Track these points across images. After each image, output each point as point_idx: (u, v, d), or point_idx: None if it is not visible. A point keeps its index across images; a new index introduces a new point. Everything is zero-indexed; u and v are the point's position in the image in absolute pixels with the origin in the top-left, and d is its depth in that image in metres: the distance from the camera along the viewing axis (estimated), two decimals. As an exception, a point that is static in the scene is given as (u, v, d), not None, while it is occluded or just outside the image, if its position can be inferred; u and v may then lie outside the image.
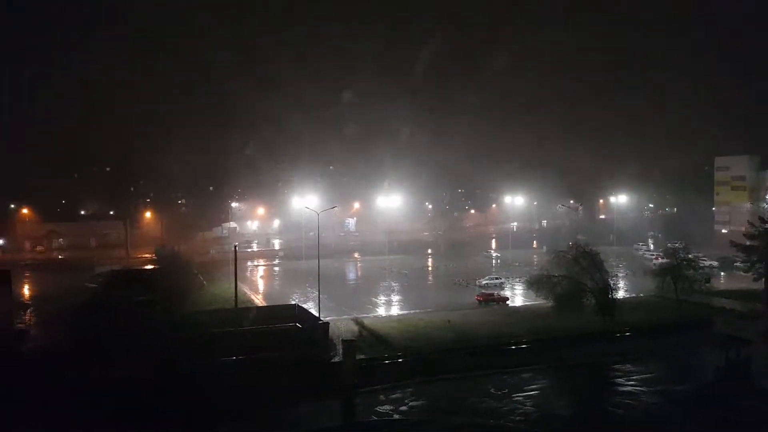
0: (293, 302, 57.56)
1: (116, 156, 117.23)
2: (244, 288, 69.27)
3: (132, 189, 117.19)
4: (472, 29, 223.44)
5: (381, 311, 61.23)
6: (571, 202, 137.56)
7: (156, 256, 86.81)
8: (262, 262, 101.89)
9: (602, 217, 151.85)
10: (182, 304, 49.47)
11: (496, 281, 75.08)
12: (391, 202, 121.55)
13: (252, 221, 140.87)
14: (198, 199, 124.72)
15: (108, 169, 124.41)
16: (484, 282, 74.11)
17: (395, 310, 61.88)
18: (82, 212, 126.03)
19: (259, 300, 66.59)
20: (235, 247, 59.19)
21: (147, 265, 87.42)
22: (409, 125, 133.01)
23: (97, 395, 30.38)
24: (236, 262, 55.00)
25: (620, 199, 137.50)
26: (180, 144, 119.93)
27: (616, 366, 41.98)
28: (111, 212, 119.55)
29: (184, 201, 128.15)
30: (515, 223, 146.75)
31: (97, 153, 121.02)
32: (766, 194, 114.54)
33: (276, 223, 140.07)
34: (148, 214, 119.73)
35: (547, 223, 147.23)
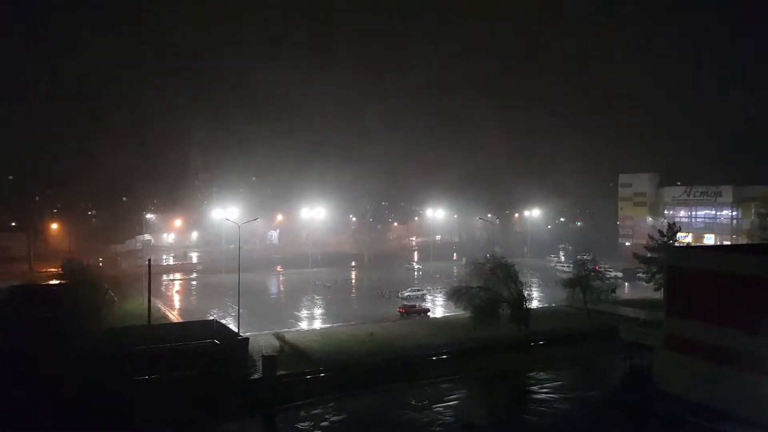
0: (211, 318, 55.96)
1: (20, 163, 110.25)
2: (158, 304, 66.70)
3: (37, 198, 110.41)
4: (395, 44, 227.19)
5: (303, 325, 60.64)
6: (489, 215, 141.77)
7: (63, 270, 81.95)
8: (178, 276, 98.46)
9: (517, 230, 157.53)
10: (91, 321, 47.00)
11: (418, 293, 76.23)
12: (315, 214, 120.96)
13: (168, 233, 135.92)
14: (110, 209, 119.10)
15: (10, 177, 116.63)
16: (406, 294, 75.06)
17: (318, 324, 61.47)
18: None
19: (174, 316, 64.29)
20: (149, 260, 56.94)
21: (53, 279, 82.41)
22: (334, 137, 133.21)
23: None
24: (150, 276, 52.87)
25: (534, 213, 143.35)
26: (92, 152, 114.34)
27: (531, 374, 43.58)
28: (13, 223, 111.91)
29: (94, 212, 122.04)
30: (438, 236, 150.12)
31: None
32: (664, 209, 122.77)
33: (194, 235, 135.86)
34: (54, 226, 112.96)
35: (466, 235, 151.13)
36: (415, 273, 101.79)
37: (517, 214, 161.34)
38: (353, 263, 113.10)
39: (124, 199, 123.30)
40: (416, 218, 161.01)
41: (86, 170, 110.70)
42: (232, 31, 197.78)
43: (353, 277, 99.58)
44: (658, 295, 59.86)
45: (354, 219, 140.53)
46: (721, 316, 35.11)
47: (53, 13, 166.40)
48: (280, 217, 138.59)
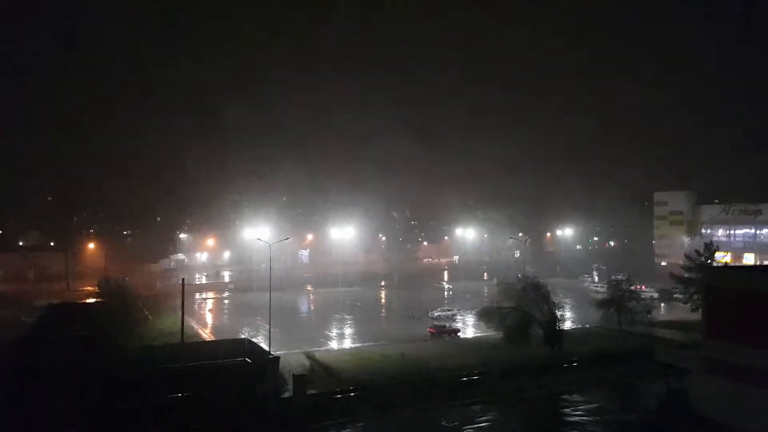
0: (243, 336, 56.42)
1: (58, 185, 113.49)
2: (191, 322, 67.57)
3: (74, 219, 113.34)
4: (420, 62, 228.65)
5: (333, 344, 60.67)
6: (520, 234, 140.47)
7: (99, 289, 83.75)
8: (211, 294, 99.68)
9: (549, 249, 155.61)
10: (126, 339, 47.84)
11: (448, 313, 75.68)
12: (345, 233, 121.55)
13: (201, 253, 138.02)
14: (144, 229, 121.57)
15: (49, 198, 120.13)
16: (437, 314, 74.58)
17: (348, 343, 61.44)
18: (21, 243, 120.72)
19: (207, 334, 64.99)
20: (183, 279, 57.76)
21: (89, 298, 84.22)
22: (364, 156, 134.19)
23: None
24: (183, 294, 53.52)
25: (566, 232, 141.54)
26: (126, 173, 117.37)
27: (564, 396, 42.71)
28: (51, 243, 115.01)
29: (129, 232, 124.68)
30: (456, 257, 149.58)
31: (38, 181, 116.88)
32: (701, 228, 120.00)
33: (226, 254, 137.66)
34: (91, 246, 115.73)
35: (497, 255, 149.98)
36: (445, 293, 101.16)
37: (549, 234, 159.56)
38: (383, 283, 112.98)
39: (158, 219, 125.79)
40: (446, 237, 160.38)
41: (121, 191, 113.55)
42: (263, 50, 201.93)
43: (383, 296, 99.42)
44: (696, 316, 58.36)
45: (384, 238, 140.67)
46: (761, 338, 34.03)
47: (86, 31, 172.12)
48: (310, 237, 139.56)
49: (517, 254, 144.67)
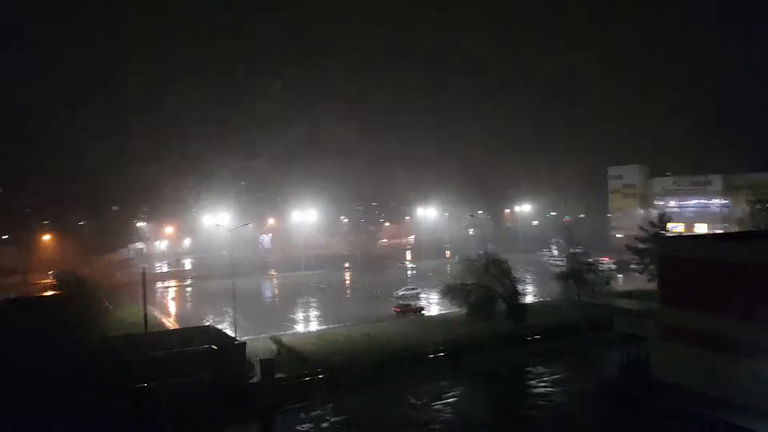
0: (207, 323, 55.94)
1: (8, 175, 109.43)
2: (154, 311, 66.53)
3: (27, 210, 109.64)
4: (381, 39, 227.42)
5: (299, 328, 60.71)
6: (480, 212, 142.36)
7: (57, 281, 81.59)
8: (173, 283, 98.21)
9: (509, 225, 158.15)
10: (87, 331, 46.89)
11: (412, 292, 76.43)
12: (307, 217, 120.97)
13: (160, 241, 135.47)
14: (100, 219, 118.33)
15: (0, 190, 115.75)
16: (401, 293, 75.22)
17: (314, 326, 61.55)
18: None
19: (171, 323, 64.17)
20: (144, 268, 56.89)
21: (47, 291, 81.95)
22: (322, 139, 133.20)
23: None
24: (145, 284, 52.83)
25: (524, 208, 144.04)
26: (80, 162, 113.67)
27: (528, 368, 43.85)
28: (5, 236, 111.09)
29: (85, 222, 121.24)
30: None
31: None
32: (654, 200, 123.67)
33: (186, 242, 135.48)
34: (46, 237, 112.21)
35: (465, 232, 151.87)
36: (409, 272, 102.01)
37: (508, 210, 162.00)
38: (346, 264, 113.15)
39: (114, 208, 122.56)
40: (407, 217, 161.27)
41: (75, 181, 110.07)
42: (216, 34, 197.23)
43: (347, 278, 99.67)
44: (652, 285, 60.32)
45: (345, 220, 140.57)
46: (715, 304, 35.47)
47: (43, 20, 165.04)
48: (271, 221, 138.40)
49: (471, 232, 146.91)
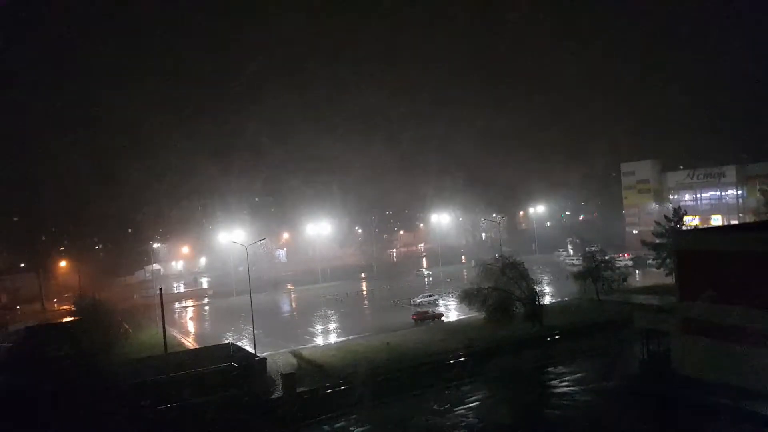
0: (227, 341, 56.16)
1: (23, 203, 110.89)
2: (173, 332, 66.94)
3: (42, 237, 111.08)
4: (387, 50, 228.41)
5: (319, 341, 60.75)
6: (494, 215, 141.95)
7: (75, 307, 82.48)
8: (190, 302, 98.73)
9: (523, 226, 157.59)
10: (107, 355, 47.31)
11: (430, 299, 76.28)
12: (321, 229, 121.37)
13: (177, 261, 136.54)
14: (116, 242, 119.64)
15: (15, 218, 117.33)
16: (419, 300, 75.12)
17: (333, 338, 61.58)
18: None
19: (190, 342, 64.48)
20: (161, 289, 57.17)
21: (66, 317, 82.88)
22: (334, 151, 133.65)
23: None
24: (162, 305, 53.00)
25: (538, 210, 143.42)
26: (93, 186, 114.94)
27: (549, 369, 43.49)
28: (21, 264, 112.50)
29: (101, 246, 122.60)
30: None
31: (1, 201, 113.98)
32: (669, 195, 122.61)
33: (202, 260, 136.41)
34: (63, 263, 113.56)
35: (482, 236, 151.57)
36: (425, 279, 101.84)
37: (522, 212, 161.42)
38: (362, 275, 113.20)
39: (130, 230, 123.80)
40: (421, 225, 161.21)
41: (89, 205, 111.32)
42: (228, 50, 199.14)
43: (364, 288, 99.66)
44: (670, 280, 59.91)
45: (360, 231, 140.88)
46: (734, 295, 35.04)
47: (48, 36, 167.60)
48: (286, 236, 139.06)
49: (484, 236, 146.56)
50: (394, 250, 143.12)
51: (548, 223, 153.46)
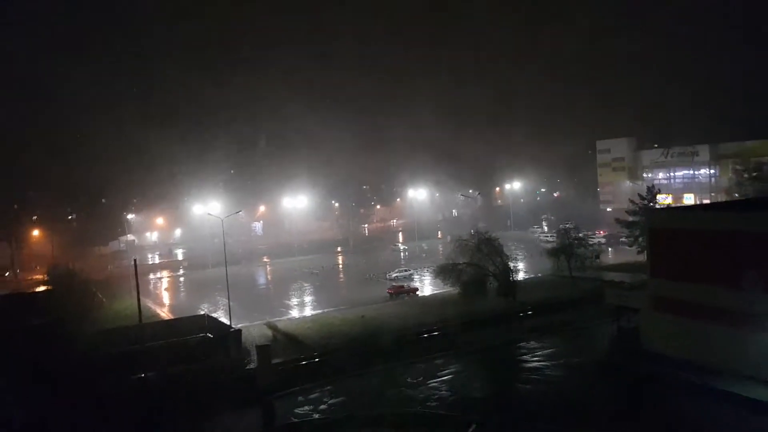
0: (202, 312, 56.13)
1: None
2: (148, 302, 66.61)
3: (15, 206, 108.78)
4: (370, 24, 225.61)
5: (294, 313, 61.01)
6: (470, 191, 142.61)
7: (48, 276, 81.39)
8: (165, 273, 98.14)
9: (499, 203, 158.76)
10: (81, 325, 46.96)
11: (406, 273, 76.90)
12: (298, 202, 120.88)
13: (151, 233, 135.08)
14: (90, 212, 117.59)
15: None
16: (394, 275, 75.67)
17: (308, 311, 61.90)
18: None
19: (165, 313, 64.31)
20: (135, 260, 56.66)
21: (39, 286, 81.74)
22: (310, 124, 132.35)
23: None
24: (137, 275, 52.62)
25: (514, 186, 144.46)
26: (67, 155, 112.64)
27: (521, 344, 44.38)
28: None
29: (75, 216, 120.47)
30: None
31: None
32: (643, 173, 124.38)
33: (177, 232, 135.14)
34: (35, 232, 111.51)
35: (456, 212, 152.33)
36: (401, 254, 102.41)
37: (498, 188, 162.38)
38: (339, 249, 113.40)
39: (104, 200, 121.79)
40: (398, 199, 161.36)
41: (63, 174, 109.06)
42: (208, 22, 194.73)
43: (340, 262, 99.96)
44: (642, 258, 61.14)
45: (336, 205, 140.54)
46: (703, 274, 35.99)
47: (34, 18, 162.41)
48: (262, 208, 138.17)
49: (458, 212, 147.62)
50: (370, 225, 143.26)
51: (522, 200, 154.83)
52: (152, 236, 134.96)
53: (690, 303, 36.13)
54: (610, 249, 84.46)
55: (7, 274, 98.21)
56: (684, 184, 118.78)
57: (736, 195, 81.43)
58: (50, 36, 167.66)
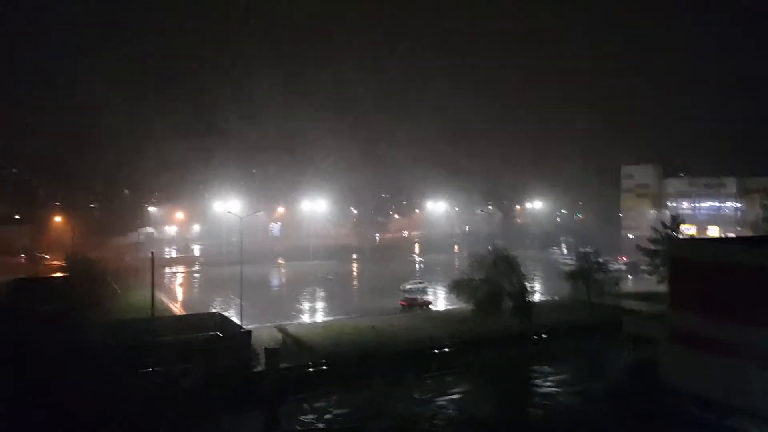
0: (214, 310, 56.02)
1: (23, 155, 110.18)
2: (161, 296, 66.71)
3: (39, 191, 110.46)
4: (394, 38, 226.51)
5: (305, 318, 60.71)
6: (490, 207, 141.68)
7: (66, 263, 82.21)
8: (181, 268, 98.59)
9: (518, 221, 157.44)
10: (94, 313, 47.11)
11: (420, 285, 76.15)
12: (317, 206, 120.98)
13: (170, 226, 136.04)
14: (112, 202, 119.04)
15: (15, 170, 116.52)
16: (408, 286, 74.97)
17: (320, 317, 61.52)
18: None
19: (177, 308, 64.38)
20: (152, 253, 56.83)
21: (57, 272, 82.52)
22: (335, 130, 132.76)
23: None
24: (153, 268, 52.71)
25: (535, 205, 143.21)
26: (93, 144, 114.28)
27: (534, 367, 43.49)
28: (16, 216, 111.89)
29: (97, 204, 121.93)
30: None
31: (2, 151, 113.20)
32: (667, 201, 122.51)
33: (196, 228, 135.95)
34: (57, 218, 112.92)
35: (468, 228, 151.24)
36: (417, 265, 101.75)
37: (518, 206, 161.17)
38: (354, 255, 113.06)
39: (126, 191, 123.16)
40: (417, 211, 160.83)
41: (88, 163, 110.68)
42: (232, 22, 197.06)
43: (354, 269, 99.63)
44: (662, 287, 59.79)
45: (355, 211, 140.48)
46: (725, 309, 34.89)
47: (52, 9, 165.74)
48: (281, 210, 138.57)
49: (476, 227, 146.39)
50: (385, 234, 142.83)
51: (544, 220, 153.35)
52: (171, 230, 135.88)
53: (711, 337, 35.02)
54: (629, 276, 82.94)
55: (22, 256, 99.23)
56: (709, 215, 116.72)
57: (763, 230, 79.54)
58: (79, 34, 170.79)
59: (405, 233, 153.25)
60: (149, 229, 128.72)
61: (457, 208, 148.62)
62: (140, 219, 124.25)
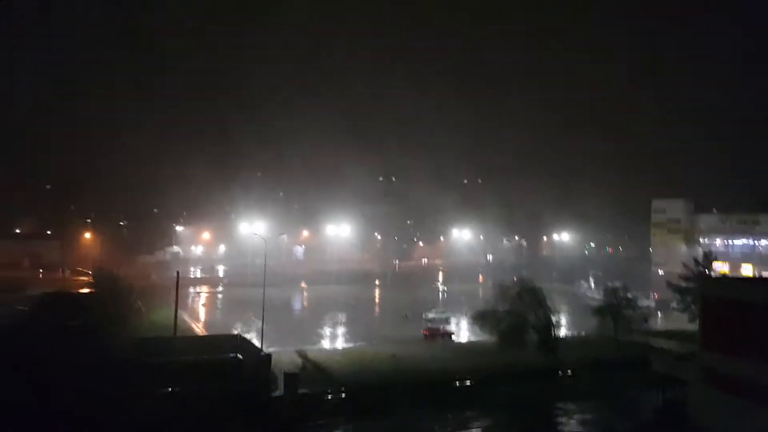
0: (235, 332, 55.95)
1: (56, 173, 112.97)
2: (184, 316, 67.04)
3: (71, 208, 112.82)
4: (418, 64, 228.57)
5: (326, 343, 60.22)
6: (516, 237, 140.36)
7: (94, 279, 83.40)
8: (205, 288, 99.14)
9: (545, 254, 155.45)
10: (118, 330, 47.44)
11: (443, 315, 75.06)
12: (341, 231, 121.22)
13: (196, 246, 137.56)
14: (141, 221, 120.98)
15: (48, 186, 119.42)
16: (431, 316, 73.98)
17: (340, 342, 61.00)
18: (17, 230, 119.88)
19: (199, 329, 64.50)
20: (178, 272, 57.24)
21: (84, 288, 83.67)
22: (361, 155, 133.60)
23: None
24: (178, 288, 53.06)
25: (563, 237, 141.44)
26: (125, 163, 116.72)
27: (559, 404, 42.29)
28: (48, 231, 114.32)
29: (125, 222, 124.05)
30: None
31: (37, 168, 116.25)
32: (699, 237, 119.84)
33: (221, 248, 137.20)
34: (87, 235, 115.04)
35: (492, 257, 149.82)
36: (440, 294, 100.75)
37: (545, 238, 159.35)
38: (377, 281, 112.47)
39: (155, 210, 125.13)
40: (442, 238, 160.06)
41: (119, 182, 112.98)
42: (262, 43, 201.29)
43: (377, 295, 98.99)
44: (693, 326, 58.03)
45: (379, 237, 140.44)
46: (759, 351, 33.65)
47: (79, 22, 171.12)
48: (305, 233, 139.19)
49: (490, 258, 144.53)
50: (406, 262, 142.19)
51: (571, 253, 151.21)
52: (197, 250, 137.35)
53: (744, 380, 33.73)
54: (659, 313, 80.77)
55: (64, 272, 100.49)
56: (743, 253, 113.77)
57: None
58: (114, 56, 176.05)
59: (425, 261, 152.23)
60: (176, 249, 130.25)
61: (482, 237, 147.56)
62: (168, 238, 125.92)
